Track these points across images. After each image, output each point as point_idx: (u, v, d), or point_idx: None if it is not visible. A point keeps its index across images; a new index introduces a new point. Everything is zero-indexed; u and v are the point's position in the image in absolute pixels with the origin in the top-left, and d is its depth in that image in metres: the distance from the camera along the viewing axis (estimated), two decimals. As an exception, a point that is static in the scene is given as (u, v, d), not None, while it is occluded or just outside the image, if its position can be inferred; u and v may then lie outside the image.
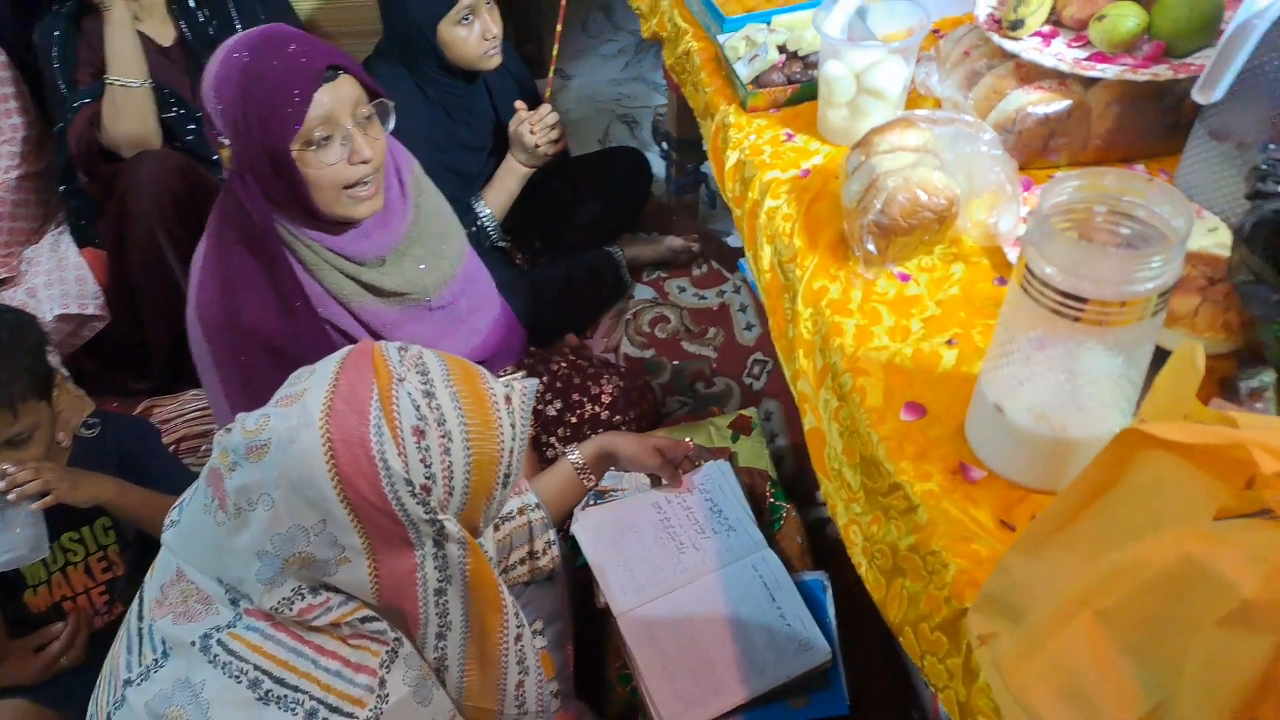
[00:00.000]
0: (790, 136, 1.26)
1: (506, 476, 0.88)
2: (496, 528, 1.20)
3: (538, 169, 1.93)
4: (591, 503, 1.43)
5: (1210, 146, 0.99)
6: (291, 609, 0.82)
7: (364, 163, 1.25)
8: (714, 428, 1.63)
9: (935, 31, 1.35)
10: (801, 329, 1.03)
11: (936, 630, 0.79)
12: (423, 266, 1.42)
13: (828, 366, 0.99)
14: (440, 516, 0.83)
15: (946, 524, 0.79)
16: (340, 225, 1.31)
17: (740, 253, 2.15)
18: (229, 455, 0.81)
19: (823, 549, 1.50)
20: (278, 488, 0.79)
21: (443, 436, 0.82)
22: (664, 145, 2.25)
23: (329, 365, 0.84)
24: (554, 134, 1.88)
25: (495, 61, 1.80)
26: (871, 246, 1.00)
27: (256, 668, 0.82)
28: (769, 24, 1.39)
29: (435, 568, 0.86)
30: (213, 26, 1.88)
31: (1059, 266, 0.68)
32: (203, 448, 1.59)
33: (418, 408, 0.82)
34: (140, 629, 0.88)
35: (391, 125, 1.31)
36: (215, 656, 0.82)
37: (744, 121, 1.31)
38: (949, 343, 0.95)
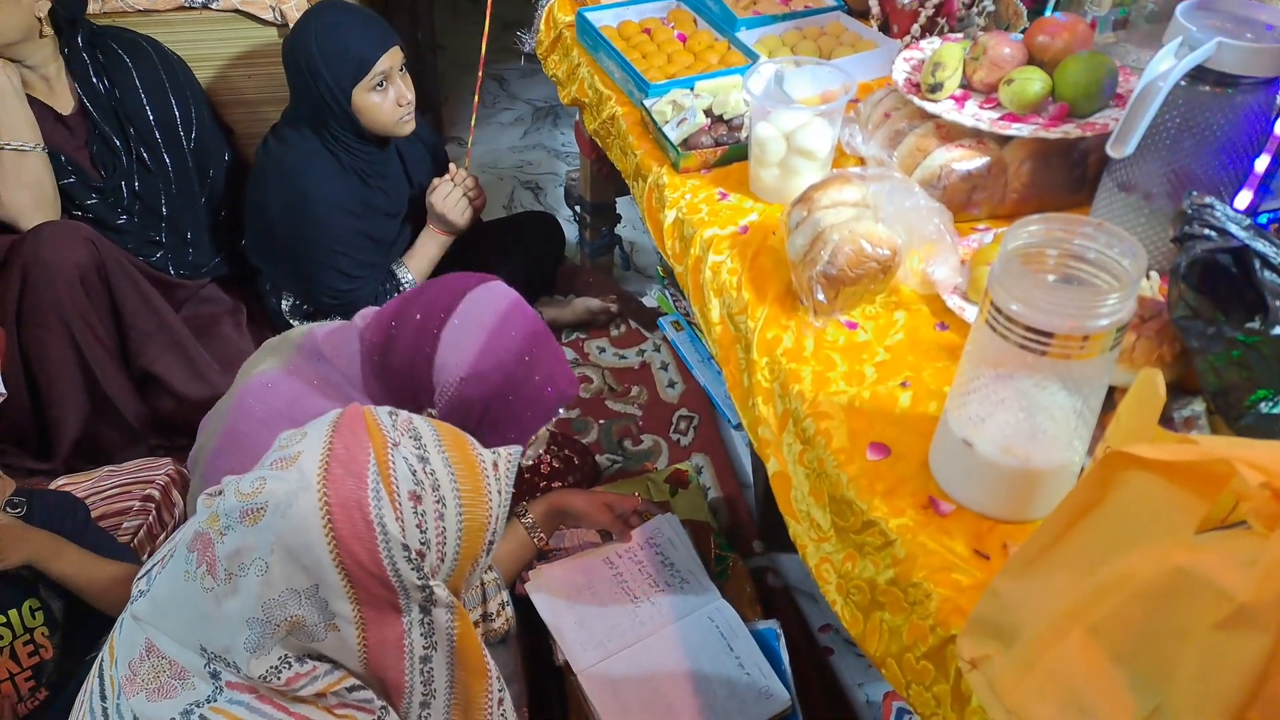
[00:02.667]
0: (724, 195, 1.31)
1: (491, 543, 0.88)
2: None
3: (456, 236, 1.94)
4: (536, 563, 1.41)
5: (1119, 198, 1.08)
6: (280, 678, 0.79)
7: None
8: (651, 483, 1.64)
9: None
10: (759, 377, 1.05)
11: (923, 659, 0.80)
12: None
13: (788, 412, 1.01)
14: (431, 582, 0.82)
15: (925, 556, 0.82)
16: None
17: (658, 312, 2.18)
18: (220, 519, 0.79)
19: (765, 597, 1.51)
20: (272, 552, 0.77)
21: (437, 502, 0.82)
22: (577, 209, 2.28)
23: (321, 428, 0.83)
24: (474, 192, 1.90)
25: (410, 127, 1.81)
26: (821, 296, 1.04)
27: None
28: (693, 89, 1.45)
29: (421, 634, 0.85)
30: (114, 98, 1.82)
31: (1026, 303, 0.72)
32: (123, 525, 1.49)
33: (414, 473, 0.81)
34: (105, 709, 0.83)
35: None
36: None
37: (678, 182, 1.35)
38: (903, 385, 0.99)
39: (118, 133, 1.82)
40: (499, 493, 0.87)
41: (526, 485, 1.60)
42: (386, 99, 1.74)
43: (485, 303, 1.15)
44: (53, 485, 1.67)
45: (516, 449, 0.93)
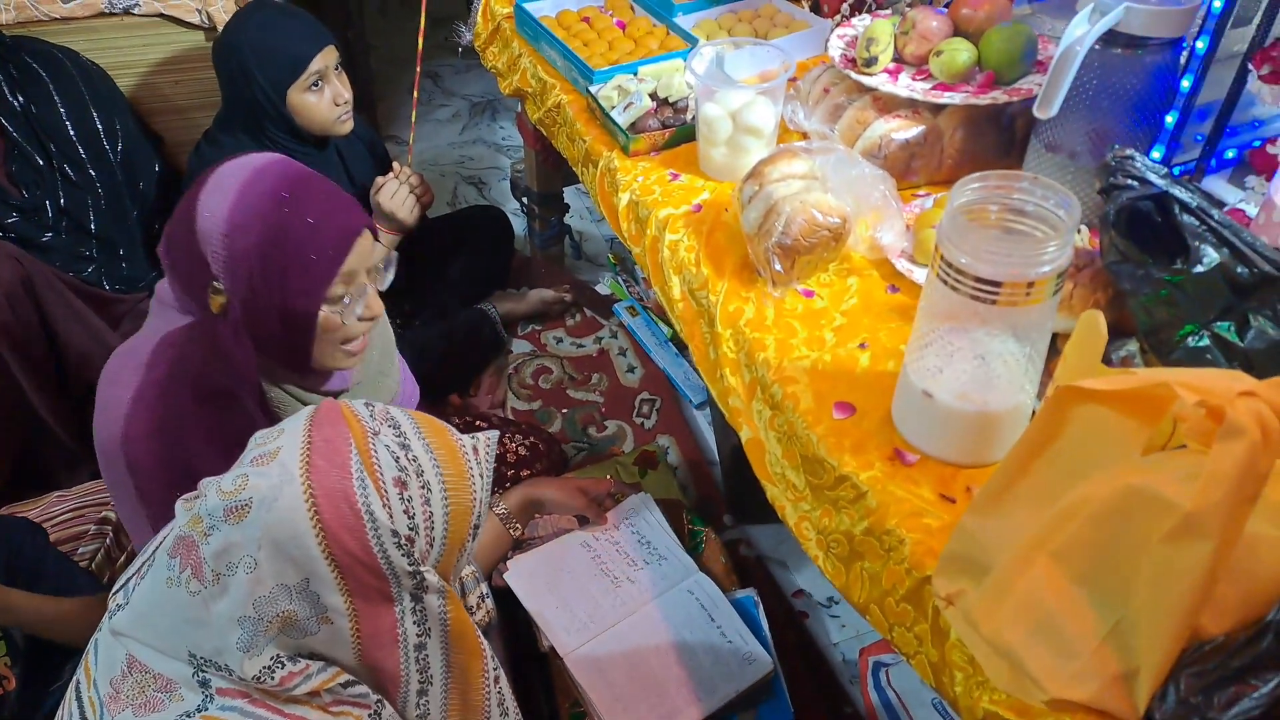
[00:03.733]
0: (675, 176, 1.34)
1: (476, 527, 0.89)
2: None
3: (405, 235, 1.93)
4: (513, 553, 1.43)
5: (1046, 157, 1.14)
6: (273, 677, 0.79)
7: (371, 319, 1.17)
8: (620, 466, 1.67)
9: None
10: (724, 349, 1.09)
11: (902, 602, 0.85)
12: (375, 389, 1.35)
13: (755, 380, 1.05)
14: (421, 568, 0.83)
15: (895, 504, 0.87)
16: (320, 375, 1.21)
17: (612, 299, 2.21)
18: (203, 520, 0.79)
19: (739, 567, 1.56)
20: (260, 548, 0.77)
21: (422, 487, 0.82)
22: (524, 200, 2.30)
23: (298, 423, 0.83)
24: (420, 189, 1.89)
25: (348, 126, 1.79)
26: (778, 266, 1.09)
27: None
28: (636, 74, 1.48)
29: (414, 623, 0.85)
30: (31, 114, 1.77)
31: (974, 256, 0.77)
32: (79, 549, 1.46)
33: (396, 460, 0.82)
34: None
35: (391, 278, 1.22)
36: None
37: (629, 165, 1.38)
38: (861, 346, 1.04)
39: (38, 149, 1.77)
40: (481, 476, 0.88)
41: (497, 477, 1.62)
42: (323, 99, 1.72)
43: (238, 164, 1.11)
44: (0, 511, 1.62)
45: (494, 433, 0.94)
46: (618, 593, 1.35)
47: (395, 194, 1.85)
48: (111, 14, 1.95)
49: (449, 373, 1.98)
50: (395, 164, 1.90)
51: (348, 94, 1.76)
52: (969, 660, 0.78)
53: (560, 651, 1.29)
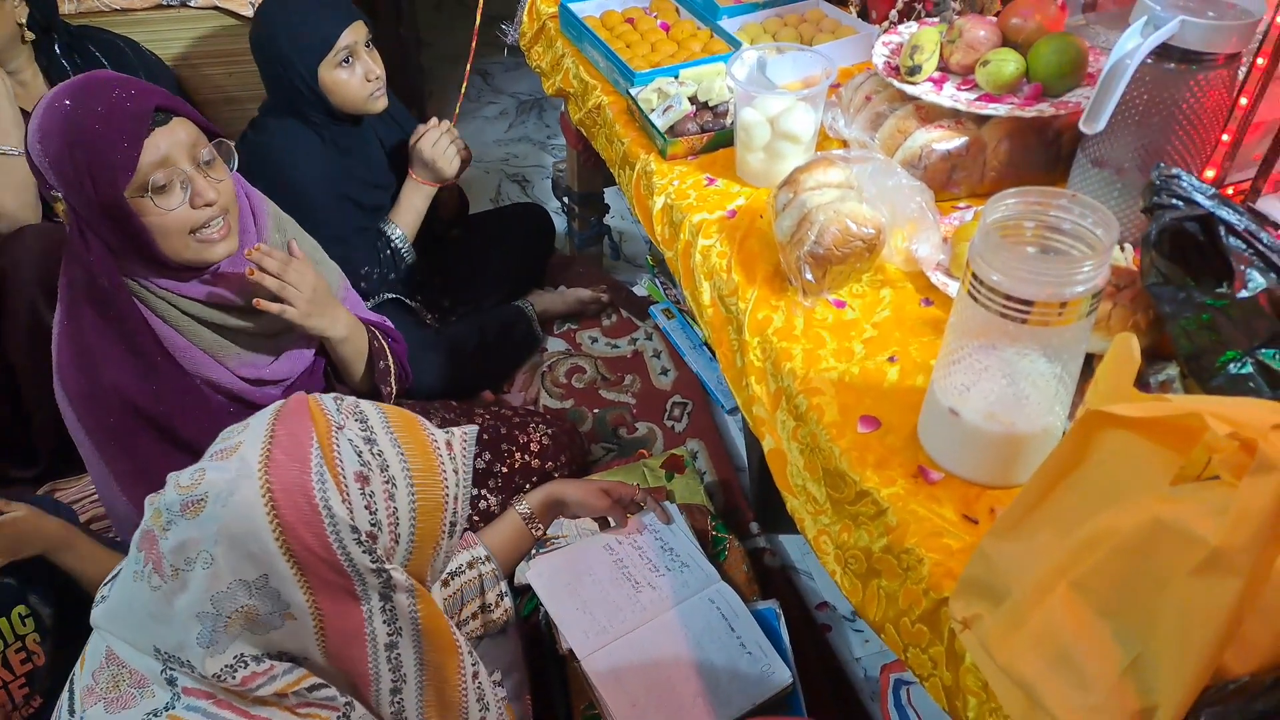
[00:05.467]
0: (711, 181, 1.33)
1: (452, 525, 0.87)
2: (446, 583, 1.19)
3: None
4: (536, 552, 1.43)
5: (1092, 173, 1.11)
6: (235, 677, 0.78)
7: (208, 205, 1.20)
8: (647, 469, 1.66)
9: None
10: (751, 357, 1.08)
11: (918, 623, 0.83)
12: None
13: (781, 390, 1.04)
14: (387, 566, 0.81)
15: (916, 523, 0.85)
16: (193, 271, 1.26)
17: (649, 301, 2.21)
18: (163, 515, 0.78)
19: (762, 577, 1.54)
20: (217, 544, 0.76)
21: (386, 483, 0.81)
22: (565, 200, 2.30)
23: (263, 417, 0.82)
24: (460, 143, 1.87)
25: (382, 103, 1.77)
26: (809, 276, 1.07)
27: None
28: (677, 77, 1.47)
29: (384, 622, 0.84)
30: None
31: (1005, 274, 0.75)
32: (113, 528, 1.50)
33: (359, 454, 0.80)
34: None
35: (235, 165, 1.27)
36: None
37: (665, 169, 1.37)
38: (890, 360, 1.02)
39: None
40: (455, 472, 0.86)
41: (521, 466, 1.62)
42: (354, 75, 1.71)
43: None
44: (42, 490, 1.67)
45: (472, 429, 0.92)
46: (638, 598, 1.35)
47: (438, 142, 1.81)
48: (169, 6, 2.00)
49: (482, 367, 1.98)
50: (434, 119, 1.85)
51: (379, 70, 1.75)
52: (983, 686, 0.77)
53: (577, 654, 1.28)
